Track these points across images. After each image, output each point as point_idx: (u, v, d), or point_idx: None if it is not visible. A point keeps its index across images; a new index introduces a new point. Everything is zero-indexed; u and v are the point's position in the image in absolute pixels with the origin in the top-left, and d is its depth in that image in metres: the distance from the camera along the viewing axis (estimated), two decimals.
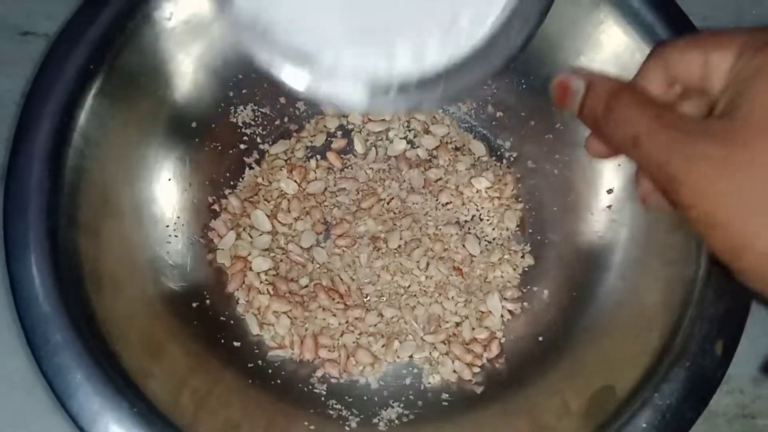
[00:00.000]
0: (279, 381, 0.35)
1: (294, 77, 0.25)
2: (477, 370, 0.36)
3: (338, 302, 0.37)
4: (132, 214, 0.35)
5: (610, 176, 0.38)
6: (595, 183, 0.38)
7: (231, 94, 0.39)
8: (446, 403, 0.35)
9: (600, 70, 0.36)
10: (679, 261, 0.32)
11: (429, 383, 0.36)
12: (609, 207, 0.38)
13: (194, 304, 0.36)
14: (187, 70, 0.37)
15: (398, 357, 0.37)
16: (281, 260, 0.39)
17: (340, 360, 0.36)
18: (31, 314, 0.29)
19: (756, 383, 0.38)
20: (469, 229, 0.40)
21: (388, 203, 0.40)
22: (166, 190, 0.37)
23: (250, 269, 0.38)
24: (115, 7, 0.34)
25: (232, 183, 0.40)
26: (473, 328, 0.37)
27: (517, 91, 0.40)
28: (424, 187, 0.40)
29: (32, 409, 0.35)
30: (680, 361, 0.30)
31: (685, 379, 0.29)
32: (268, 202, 0.40)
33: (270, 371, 0.35)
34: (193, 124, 0.38)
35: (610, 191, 0.38)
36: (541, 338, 0.36)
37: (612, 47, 0.36)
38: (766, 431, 0.38)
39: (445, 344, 0.37)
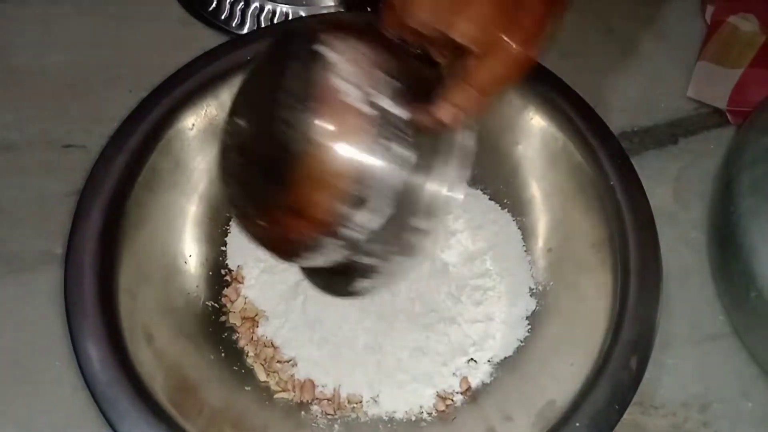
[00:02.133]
0: (285, 417, 0.42)
1: None
2: (450, 403, 0.43)
3: None
4: (161, 282, 0.43)
5: (550, 238, 0.47)
6: (537, 243, 0.47)
7: None
8: (425, 424, 0.42)
9: (532, 155, 0.47)
10: (601, 298, 0.41)
11: (413, 417, 0.43)
12: (550, 264, 0.46)
13: (212, 357, 0.43)
14: (204, 168, 0.46)
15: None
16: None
17: (334, 400, 0.43)
18: (88, 359, 0.36)
19: (685, 407, 0.45)
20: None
21: None
22: (187, 264, 0.45)
23: (257, 327, 0.45)
24: (149, 122, 0.43)
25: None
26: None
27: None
28: None
29: None
30: (604, 375, 0.37)
31: (608, 389, 0.37)
32: None
33: (277, 410, 0.42)
34: (209, 213, 0.47)
35: (549, 250, 0.46)
36: (500, 373, 0.44)
37: (540, 136, 0.46)
38: None
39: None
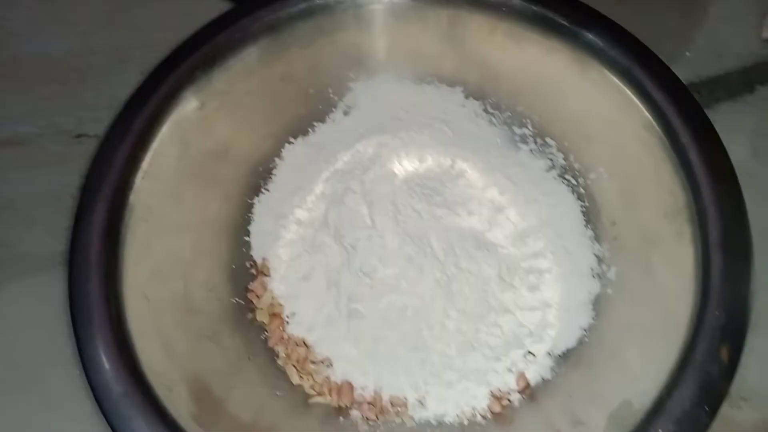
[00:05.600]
0: (322, 424, 0.38)
1: None
2: (506, 403, 0.38)
3: None
4: (178, 280, 0.38)
5: (614, 209, 0.41)
6: (599, 215, 0.41)
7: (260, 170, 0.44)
8: (479, 428, 0.37)
9: (589, 112, 0.40)
10: (679, 277, 0.35)
11: (465, 420, 0.38)
12: (615, 238, 0.40)
13: (238, 360, 0.39)
14: (219, 150, 0.41)
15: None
16: None
17: (375, 403, 0.39)
18: (96, 370, 0.32)
19: None
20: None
21: None
22: (207, 258, 0.41)
23: (287, 324, 0.41)
24: (152, 104, 0.39)
25: None
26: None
27: None
28: None
29: None
30: (689, 369, 0.31)
31: (696, 386, 0.31)
32: None
33: (313, 417, 0.38)
34: (228, 200, 0.42)
35: (614, 223, 0.40)
36: (562, 368, 0.38)
37: (598, 90, 0.40)
38: None
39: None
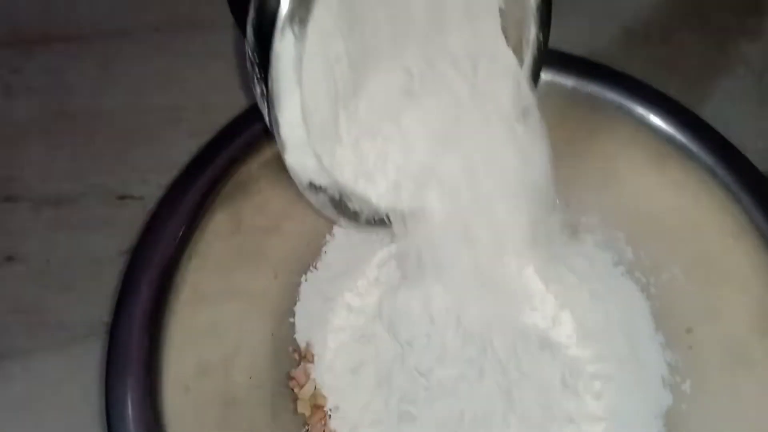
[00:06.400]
0: None
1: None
2: None
3: None
4: (218, 367, 0.36)
5: (690, 314, 0.38)
6: (672, 319, 0.38)
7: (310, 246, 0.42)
8: None
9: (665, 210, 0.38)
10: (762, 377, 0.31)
11: None
12: (690, 347, 0.37)
13: None
14: (270, 226, 0.39)
15: None
16: None
17: None
18: None
19: None
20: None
21: None
22: (249, 341, 0.38)
23: (330, 417, 0.38)
24: (208, 175, 0.37)
25: None
26: None
27: None
28: None
29: None
30: None
31: None
32: None
33: None
34: (275, 279, 0.40)
35: (689, 330, 0.37)
36: None
37: (675, 187, 0.38)
38: None
39: None
